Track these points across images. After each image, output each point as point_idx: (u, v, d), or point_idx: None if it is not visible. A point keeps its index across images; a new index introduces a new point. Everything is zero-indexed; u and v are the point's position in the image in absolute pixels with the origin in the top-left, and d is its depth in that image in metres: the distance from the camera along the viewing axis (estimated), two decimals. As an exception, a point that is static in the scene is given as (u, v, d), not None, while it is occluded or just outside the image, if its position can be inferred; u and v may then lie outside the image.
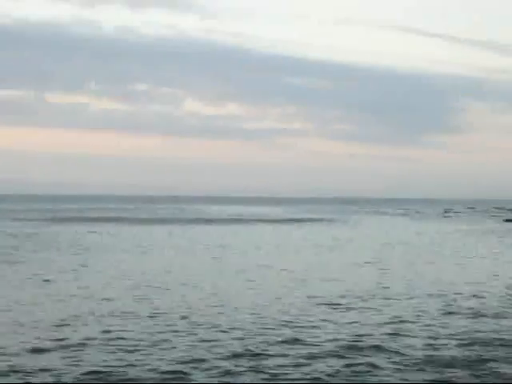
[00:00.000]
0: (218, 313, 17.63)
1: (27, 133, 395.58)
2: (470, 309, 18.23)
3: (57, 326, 15.66)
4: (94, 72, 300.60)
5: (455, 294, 20.53)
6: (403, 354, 13.02)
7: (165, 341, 14.38)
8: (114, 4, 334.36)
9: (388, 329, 15.31)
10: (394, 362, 12.58)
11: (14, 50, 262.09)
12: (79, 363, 12.61)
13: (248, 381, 11.55)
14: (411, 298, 19.92)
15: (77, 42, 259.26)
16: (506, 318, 17.17)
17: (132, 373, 11.87)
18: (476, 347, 13.85)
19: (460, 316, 17.15)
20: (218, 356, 13.04)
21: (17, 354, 13.08)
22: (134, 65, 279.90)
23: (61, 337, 14.58)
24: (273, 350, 13.52)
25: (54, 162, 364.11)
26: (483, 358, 12.98)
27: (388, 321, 16.33)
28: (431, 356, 12.87)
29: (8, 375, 11.89)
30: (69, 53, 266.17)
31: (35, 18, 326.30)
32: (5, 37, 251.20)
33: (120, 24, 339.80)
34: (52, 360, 12.60)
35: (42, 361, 12.63)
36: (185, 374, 12.14)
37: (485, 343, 14.15)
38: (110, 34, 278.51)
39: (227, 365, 12.46)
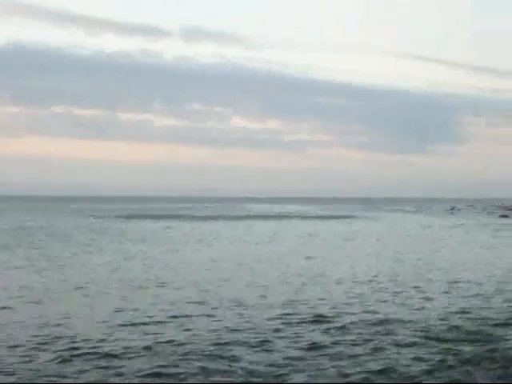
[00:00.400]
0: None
1: (103, 145, 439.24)
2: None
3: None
4: (157, 94, 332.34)
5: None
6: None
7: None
8: (173, 38, 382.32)
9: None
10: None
11: (92, 76, 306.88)
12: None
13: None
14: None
15: (143, 69, 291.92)
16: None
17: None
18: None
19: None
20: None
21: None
22: (190, 88, 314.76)
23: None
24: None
25: (125, 169, 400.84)
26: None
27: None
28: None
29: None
30: (137, 78, 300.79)
31: (109, 49, 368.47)
32: (85, 65, 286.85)
33: (178, 54, 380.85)
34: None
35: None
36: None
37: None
38: (169, 63, 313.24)
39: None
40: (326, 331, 15.01)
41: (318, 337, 14.46)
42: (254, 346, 13.49)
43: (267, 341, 13.99)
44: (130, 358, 12.49)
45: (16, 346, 13.54)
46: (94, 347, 13.34)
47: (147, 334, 14.65)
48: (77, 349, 13.28)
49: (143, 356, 12.67)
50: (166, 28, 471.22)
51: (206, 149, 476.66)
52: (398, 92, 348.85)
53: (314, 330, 15.11)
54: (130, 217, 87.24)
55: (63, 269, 27.51)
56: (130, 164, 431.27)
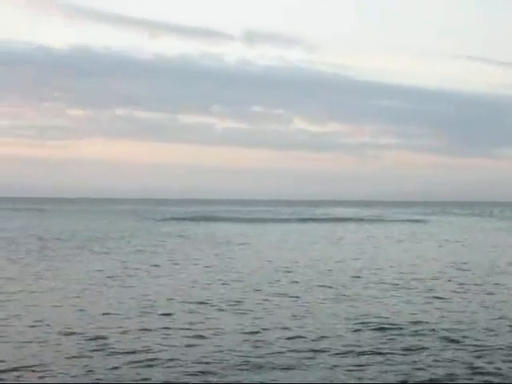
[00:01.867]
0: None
1: (164, 147, 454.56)
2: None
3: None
4: (218, 97, 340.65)
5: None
6: None
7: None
8: (233, 41, 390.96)
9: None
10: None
11: (153, 79, 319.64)
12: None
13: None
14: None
15: (204, 73, 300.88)
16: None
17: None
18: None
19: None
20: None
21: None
22: (250, 91, 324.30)
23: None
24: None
25: (186, 172, 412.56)
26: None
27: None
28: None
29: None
30: (197, 81, 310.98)
31: (170, 53, 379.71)
32: (147, 68, 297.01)
33: (238, 57, 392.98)
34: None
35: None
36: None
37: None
38: (230, 66, 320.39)
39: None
40: None
41: None
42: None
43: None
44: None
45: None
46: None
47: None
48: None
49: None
50: (227, 31, 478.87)
51: (267, 152, 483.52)
52: (461, 95, 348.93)
53: None
54: (213, 219, 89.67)
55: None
56: (191, 167, 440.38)
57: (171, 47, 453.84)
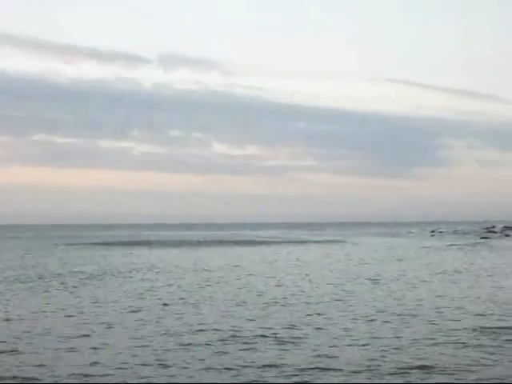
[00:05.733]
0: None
1: (82, 173, 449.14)
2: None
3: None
4: (136, 121, 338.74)
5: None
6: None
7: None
8: (150, 65, 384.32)
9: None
10: None
11: (70, 104, 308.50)
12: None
13: None
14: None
15: (121, 97, 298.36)
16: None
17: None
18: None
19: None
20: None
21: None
22: (168, 114, 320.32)
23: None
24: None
25: (106, 197, 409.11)
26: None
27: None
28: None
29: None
30: (115, 106, 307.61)
31: (87, 77, 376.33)
32: (62, 94, 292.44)
33: (156, 81, 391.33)
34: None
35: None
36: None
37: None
38: (147, 90, 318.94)
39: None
40: None
41: None
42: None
43: None
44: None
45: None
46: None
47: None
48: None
49: None
50: (143, 55, 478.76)
51: (186, 176, 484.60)
52: (380, 116, 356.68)
53: None
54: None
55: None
56: (111, 191, 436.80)
57: (88, 71, 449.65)
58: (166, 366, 15.21)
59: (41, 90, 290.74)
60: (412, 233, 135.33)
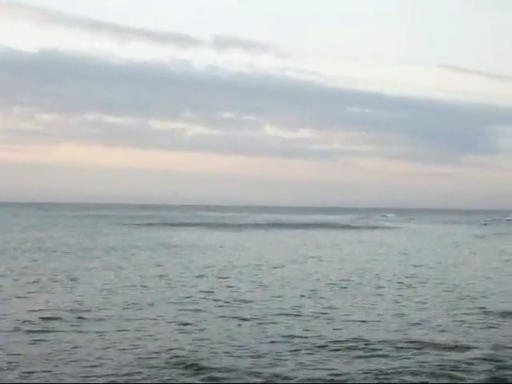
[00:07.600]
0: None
1: (134, 153, 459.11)
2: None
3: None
4: (188, 103, 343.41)
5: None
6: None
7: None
8: (203, 46, 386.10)
9: None
10: None
11: (123, 84, 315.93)
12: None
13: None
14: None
15: (174, 78, 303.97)
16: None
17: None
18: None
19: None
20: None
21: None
22: (221, 96, 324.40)
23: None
24: None
25: (158, 178, 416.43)
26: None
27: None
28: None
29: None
30: (167, 87, 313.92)
31: (140, 58, 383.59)
32: (115, 74, 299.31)
33: (209, 63, 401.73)
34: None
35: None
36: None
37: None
38: (200, 71, 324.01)
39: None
40: None
41: None
42: None
43: None
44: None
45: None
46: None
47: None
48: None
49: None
50: (196, 36, 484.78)
51: (237, 158, 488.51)
52: (433, 102, 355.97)
53: None
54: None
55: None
56: (163, 172, 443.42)
57: (141, 52, 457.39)
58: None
59: (94, 69, 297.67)
60: (485, 223, 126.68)
